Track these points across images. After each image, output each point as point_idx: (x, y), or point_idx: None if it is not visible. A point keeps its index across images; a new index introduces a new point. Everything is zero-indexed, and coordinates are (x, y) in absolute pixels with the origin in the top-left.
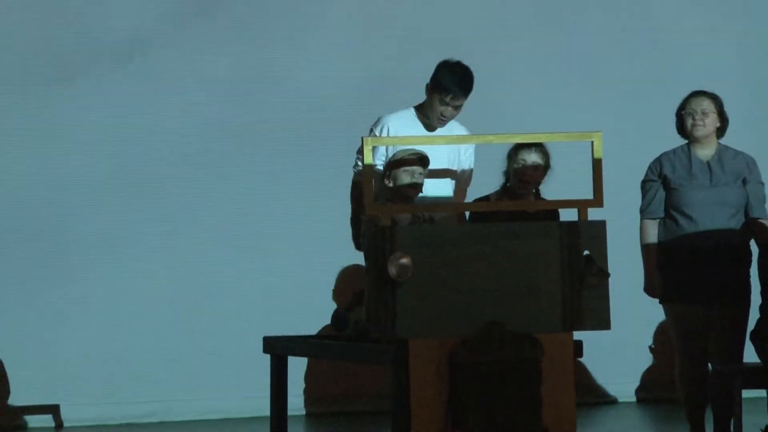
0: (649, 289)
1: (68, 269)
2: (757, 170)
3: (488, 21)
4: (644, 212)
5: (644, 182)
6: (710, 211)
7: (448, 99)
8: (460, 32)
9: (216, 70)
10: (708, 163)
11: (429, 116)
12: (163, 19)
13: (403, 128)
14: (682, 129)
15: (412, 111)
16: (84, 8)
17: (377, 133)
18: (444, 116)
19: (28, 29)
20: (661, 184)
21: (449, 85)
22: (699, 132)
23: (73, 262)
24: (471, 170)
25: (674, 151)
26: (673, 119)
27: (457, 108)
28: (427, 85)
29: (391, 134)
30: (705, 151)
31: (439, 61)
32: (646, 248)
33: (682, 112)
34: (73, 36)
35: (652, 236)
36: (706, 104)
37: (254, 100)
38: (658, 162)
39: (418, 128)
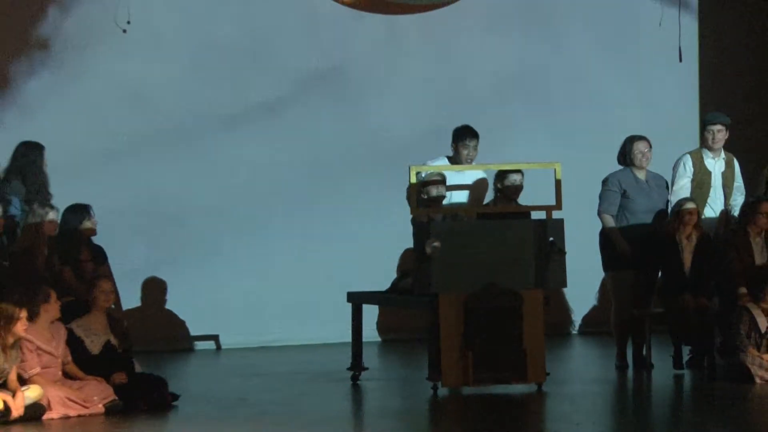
0: (623, 254)
1: (225, 246)
2: (668, 189)
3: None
4: (605, 210)
5: (606, 191)
6: (647, 214)
7: (467, 141)
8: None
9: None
10: (646, 183)
11: (459, 161)
12: None
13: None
14: (626, 161)
15: (445, 158)
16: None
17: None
18: (469, 157)
19: None
20: (620, 190)
21: (465, 133)
22: (645, 164)
23: (229, 241)
24: (486, 186)
25: (623, 172)
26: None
27: (475, 148)
28: (452, 144)
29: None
30: (640, 175)
31: (453, 128)
32: (611, 230)
33: (632, 151)
34: None
35: (613, 223)
36: (647, 148)
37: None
38: (616, 178)
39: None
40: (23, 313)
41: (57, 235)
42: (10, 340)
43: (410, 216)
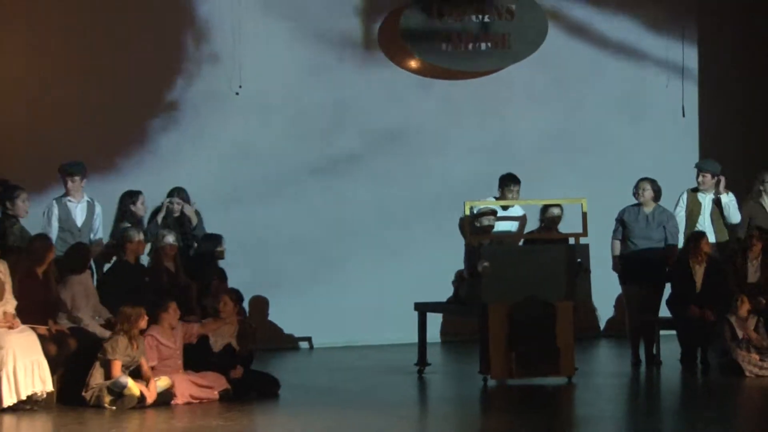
0: (615, 268)
1: (316, 268)
2: (674, 219)
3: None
4: (614, 237)
5: (616, 222)
6: (645, 241)
7: (511, 186)
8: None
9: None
10: (647, 216)
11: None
12: None
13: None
14: (636, 197)
15: (492, 198)
16: None
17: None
18: (514, 198)
19: None
20: (621, 223)
21: (509, 180)
22: (647, 201)
23: (319, 264)
24: (525, 219)
25: (633, 207)
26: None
27: (517, 192)
28: (499, 188)
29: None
30: (647, 209)
31: (500, 175)
32: (613, 251)
33: (637, 190)
34: None
35: (617, 247)
36: (648, 186)
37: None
38: (621, 213)
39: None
40: (144, 313)
41: (192, 257)
42: (135, 332)
43: (461, 242)
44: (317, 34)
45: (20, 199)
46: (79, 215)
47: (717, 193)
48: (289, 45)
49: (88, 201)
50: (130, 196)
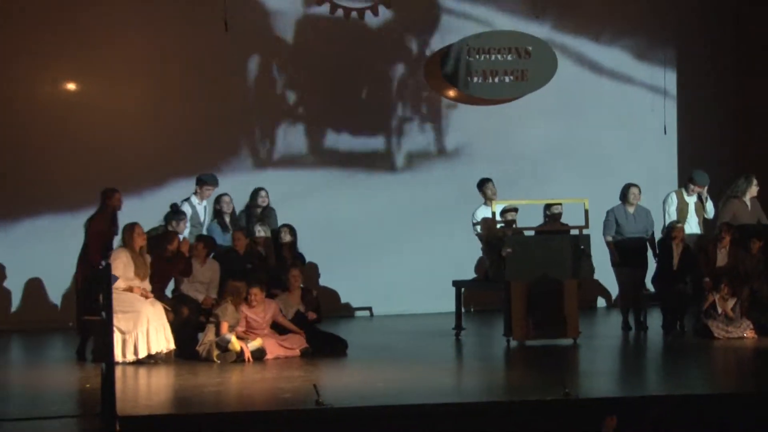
0: (613, 260)
1: (376, 250)
2: (650, 215)
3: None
4: (605, 233)
5: (606, 221)
6: (631, 233)
7: (490, 185)
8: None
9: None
10: (633, 214)
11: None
12: None
13: (485, 210)
14: (623, 199)
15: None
16: None
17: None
18: (494, 195)
19: None
20: (615, 221)
21: (487, 182)
22: (635, 202)
23: (378, 247)
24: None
25: (620, 206)
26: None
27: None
28: (480, 190)
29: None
30: (631, 209)
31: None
32: (609, 246)
33: (628, 193)
34: None
35: (611, 241)
36: (637, 191)
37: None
38: (612, 213)
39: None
40: (255, 292)
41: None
42: (240, 300)
43: (476, 236)
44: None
45: (183, 222)
46: (201, 213)
47: (702, 194)
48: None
49: (205, 204)
50: (220, 197)
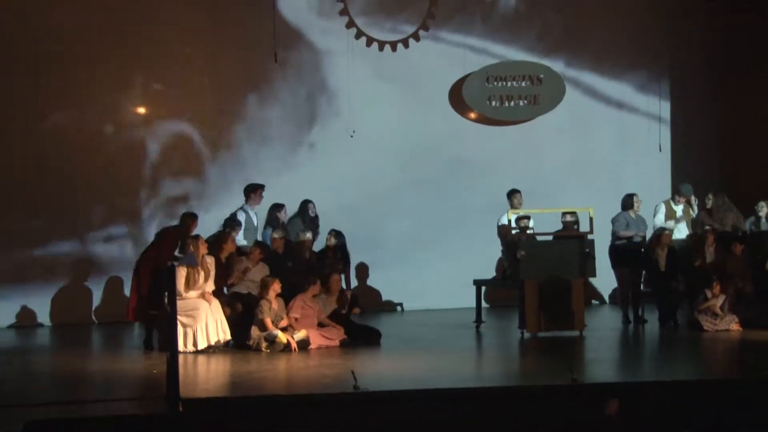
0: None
1: (406, 252)
2: (645, 222)
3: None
4: (619, 228)
5: (619, 221)
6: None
7: (519, 196)
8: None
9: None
10: (633, 220)
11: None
12: None
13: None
14: (626, 207)
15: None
16: None
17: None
18: (521, 203)
19: None
20: (626, 222)
21: (516, 192)
22: (637, 210)
23: (408, 249)
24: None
25: (623, 213)
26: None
27: (521, 198)
28: (509, 198)
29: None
30: (632, 216)
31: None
32: (626, 236)
33: (631, 202)
34: None
35: (629, 231)
36: (639, 200)
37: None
38: (623, 216)
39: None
40: (275, 284)
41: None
42: (272, 295)
43: (498, 240)
44: (407, 96)
45: (237, 228)
46: (254, 218)
47: (691, 201)
48: (392, 102)
49: (256, 210)
50: (277, 207)
